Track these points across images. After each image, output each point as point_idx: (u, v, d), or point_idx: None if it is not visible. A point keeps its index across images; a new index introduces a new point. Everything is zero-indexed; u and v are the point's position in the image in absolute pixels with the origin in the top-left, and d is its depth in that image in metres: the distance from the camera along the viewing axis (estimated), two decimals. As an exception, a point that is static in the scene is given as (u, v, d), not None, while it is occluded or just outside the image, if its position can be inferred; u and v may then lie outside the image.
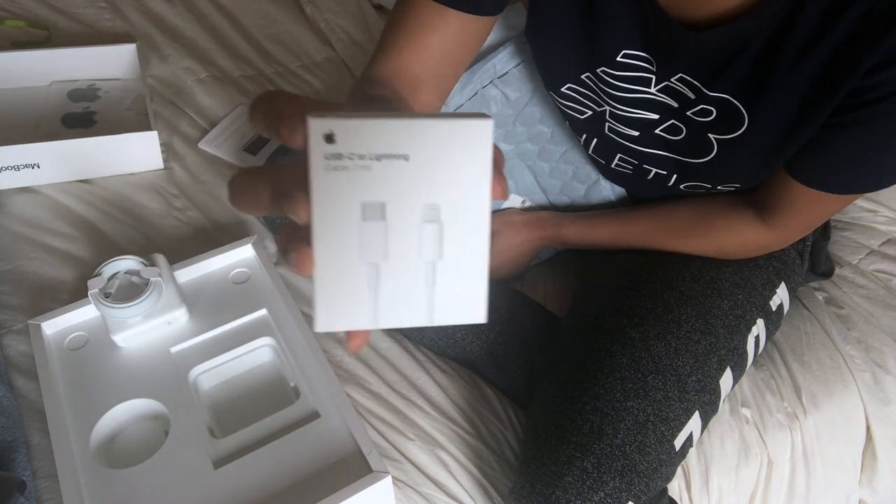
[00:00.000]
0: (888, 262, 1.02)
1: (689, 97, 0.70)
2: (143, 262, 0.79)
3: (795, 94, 0.64)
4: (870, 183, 0.67)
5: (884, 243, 1.05)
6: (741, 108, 0.67)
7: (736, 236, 0.80)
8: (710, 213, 0.82)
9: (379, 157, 0.32)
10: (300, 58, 1.31)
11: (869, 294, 0.99)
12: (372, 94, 0.60)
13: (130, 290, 0.78)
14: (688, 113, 0.72)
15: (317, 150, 0.31)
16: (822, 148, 0.66)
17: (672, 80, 0.70)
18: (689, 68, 0.68)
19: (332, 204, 0.32)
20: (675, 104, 0.72)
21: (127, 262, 0.79)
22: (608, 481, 0.66)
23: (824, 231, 0.96)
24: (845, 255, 1.04)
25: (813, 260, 0.93)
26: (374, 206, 0.32)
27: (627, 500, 0.67)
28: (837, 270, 1.01)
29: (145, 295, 0.76)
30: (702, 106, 0.70)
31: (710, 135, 0.72)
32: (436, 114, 0.33)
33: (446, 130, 0.32)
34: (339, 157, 0.31)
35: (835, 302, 0.98)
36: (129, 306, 0.75)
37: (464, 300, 0.34)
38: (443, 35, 0.68)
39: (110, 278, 0.78)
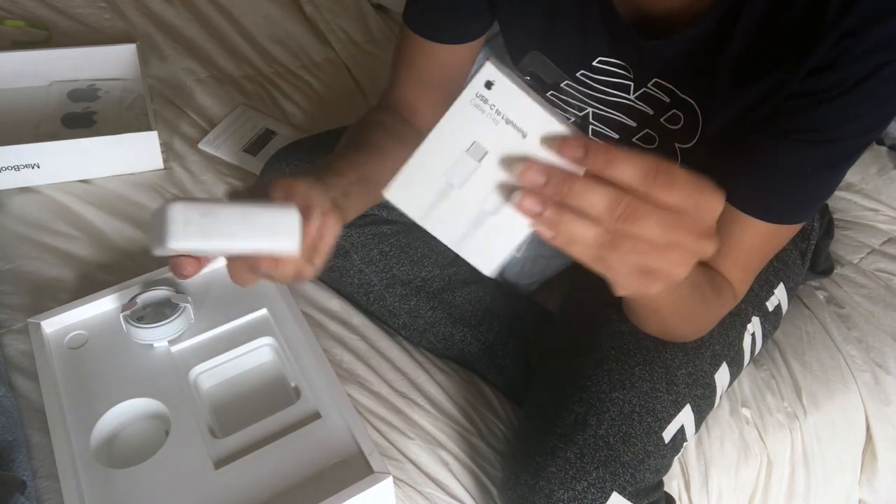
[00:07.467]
0: (889, 262, 1.02)
1: (664, 102, 0.70)
2: (174, 291, 0.80)
3: (738, 100, 0.64)
4: (805, 209, 0.65)
5: (885, 242, 1.05)
6: (699, 113, 0.67)
7: (723, 308, 0.70)
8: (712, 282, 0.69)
9: (508, 122, 0.39)
10: (300, 58, 1.31)
11: (870, 293, 0.99)
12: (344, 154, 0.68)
13: (156, 311, 0.79)
14: (661, 120, 0.72)
15: (471, 91, 0.39)
16: (765, 174, 0.63)
17: (649, 86, 0.70)
18: (661, 72, 0.67)
19: (456, 127, 0.40)
20: (650, 111, 0.72)
21: (161, 293, 0.80)
22: (591, 471, 0.66)
23: (828, 229, 0.96)
24: (846, 254, 1.04)
25: (814, 258, 0.93)
26: (479, 148, 0.40)
27: (612, 491, 0.67)
28: (838, 270, 1.01)
29: (174, 316, 0.77)
30: (673, 111, 0.70)
31: (675, 144, 0.72)
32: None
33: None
34: (484, 102, 0.39)
35: (835, 301, 0.98)
36: (157, 327, 0.76)
37: (487, 252, 0.42)
38: (428, 66, 0.76)
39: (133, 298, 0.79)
